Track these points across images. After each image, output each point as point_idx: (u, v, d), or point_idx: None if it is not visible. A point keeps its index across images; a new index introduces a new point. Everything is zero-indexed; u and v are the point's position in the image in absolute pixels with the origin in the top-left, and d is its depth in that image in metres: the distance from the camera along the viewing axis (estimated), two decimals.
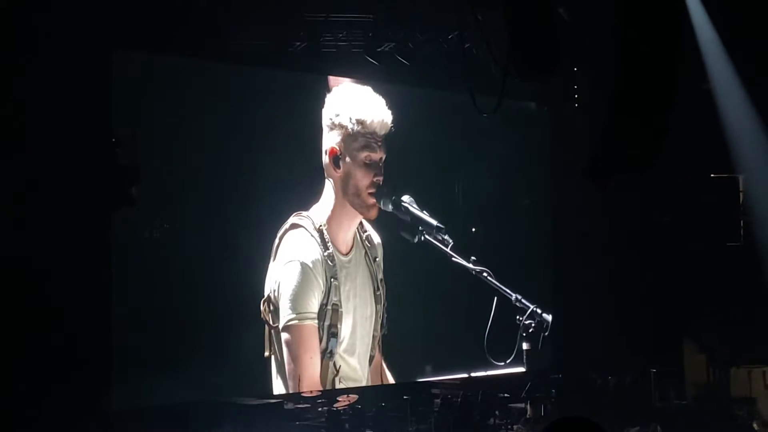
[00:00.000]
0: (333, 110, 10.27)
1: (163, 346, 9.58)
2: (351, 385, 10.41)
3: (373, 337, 10.61)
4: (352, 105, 10.24)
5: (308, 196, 10.40)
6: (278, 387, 10.06)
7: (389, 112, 10.35)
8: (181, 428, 9.21)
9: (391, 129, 10.39)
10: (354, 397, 10.14)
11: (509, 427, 10.84)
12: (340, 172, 10.21)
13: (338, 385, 10.24)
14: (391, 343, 11.11)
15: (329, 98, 10.41)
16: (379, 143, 10.29)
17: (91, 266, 9.00)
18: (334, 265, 10.12)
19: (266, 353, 10.04)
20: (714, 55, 11.62)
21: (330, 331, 10.16)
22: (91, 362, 8.94)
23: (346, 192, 10.25)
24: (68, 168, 8.72)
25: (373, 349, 10.64)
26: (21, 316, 8.51)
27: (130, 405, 9.28)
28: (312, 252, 9.98)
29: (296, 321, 9.86)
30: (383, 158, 10.38)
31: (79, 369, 8.74)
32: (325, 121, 10.31)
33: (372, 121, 10.20)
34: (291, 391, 9.98)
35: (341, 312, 10.22)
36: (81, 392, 8.69)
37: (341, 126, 10.18)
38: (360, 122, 10.17)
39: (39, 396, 8.43)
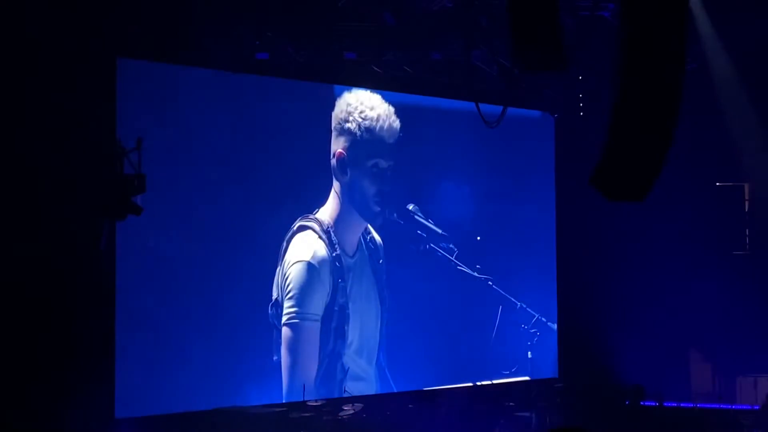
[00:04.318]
0: (342, 115, 10.36)
1: (167, 354, 9.58)
2: (360, 385, 10.42)
3: (379, 337, 10.67)
4: (361, 111, 10.30)
5: (316, 200, 10.45)
6: (286, 390, 10.09)
7: (398, 120, 10.38)
8: None
9: (399, 137, 10.44)
10: (359, 405, 10.14)
11: None
12: (347, 177, 10.28)
13: (347, 386, 10.25)
14: (396, 351, 11.11)
15: (339, 103, 10.49)
16: (387, 151, 10.34)
17: (97, 275, 9.01)
18: (342, 267, 10.16)
19: (275, 357, 10.06)
20: (720, 63, 11.63)
21: (337, 332, 10.20)
22: (93, 370, 8.94)
23: (353, 197, 10.31)
24: (73, 176, 8.72)
25: (379, 350, 10.69)
26: (24, 323, 8.51)
27: (132, 413, 9.27)
28: (319, 253, 10.05)
29: (296, 320, 9.91)
30: (391, 166, 10.41)
31: (82, 377, 8.74)
32: (334, 125, 10.40)
33: (380, 129, 10.26)
34: (286, 391, 10.00)
35: (348, 313, 10.27)
36: (83, 400, 8.68)
37: (349, 131, 10.26)
38: (368, 129, 10.22)
39: (42, 403, 8.43)
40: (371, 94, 10.63)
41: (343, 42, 10.58)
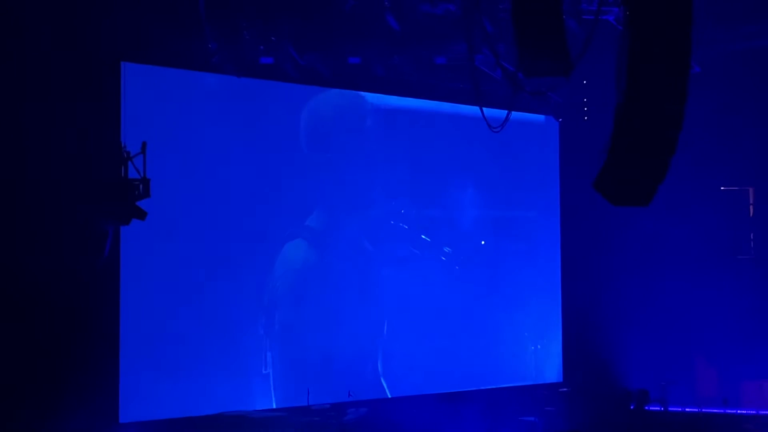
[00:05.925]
0: (318, 121, 10.41)
1: (172, 358, 9.58)
2: (360, 389, 10.42)
3: (379, 343, 10.69)
4: (335, 115, 10.38)
5: (314, 205, 10.45)
6: (278, 400, 10.11)
7: (372, 103, 10.41)
8: None
9: (374, 135, 10.49)
10: (363, 409, 10.14)
11: None
12: (340, 181, 10.32)
13: (348, 390, 10.28)
14: (399, 356, 11.10)
15: (313, 115, 10.55)
16: (378, 144, 10.39)
17: (102, 279, 9.01)
18: (336, 273, 10.17)
19: (264, 370, 10.09)
20: (724, 67, 11.61)
21: (332, 338, 10.23)
22: (98, 375, 8.95)
23: (346, 202, 10.33)
24: (78, 180, 8.74)
25: (378, 355, 10.70)
26: (30, 328, 8.52)
27: (137, 418, 9.28)
28: (311, 260, 10.06)
29: (288, 325, 9.97)
30: (377, 168, 10.43)
31: (87, 382, 8.75)
32: (321, 134, 10.42)
33: (352, 128, 10.34)
34: (281, 396, 10.03)
35: (343, 319, 10.30)
36: (89, 404, 8.69)
37: (332, 135, 10.33)
38: (342, 130, 10.31)
39: (47, 407, 8.44)
40: (341, 91, 10.69)
41: (347, 46, 10.59)
